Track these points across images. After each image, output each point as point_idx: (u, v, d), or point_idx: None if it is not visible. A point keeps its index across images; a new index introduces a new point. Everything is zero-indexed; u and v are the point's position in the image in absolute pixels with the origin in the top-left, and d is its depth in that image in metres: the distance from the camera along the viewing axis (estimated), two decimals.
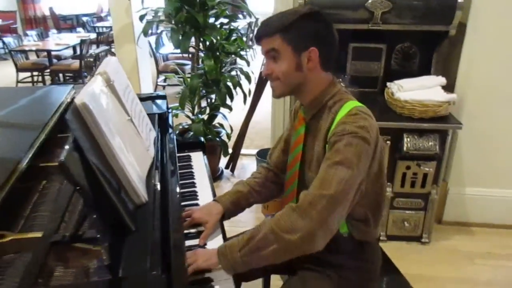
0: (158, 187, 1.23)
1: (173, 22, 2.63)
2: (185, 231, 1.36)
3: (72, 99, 1.85)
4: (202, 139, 2.08)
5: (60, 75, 6.66)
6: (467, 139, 2.58)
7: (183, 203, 1.53)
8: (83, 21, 9.27)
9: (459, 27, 2.37)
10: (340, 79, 2.53)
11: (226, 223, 1.45)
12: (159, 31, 4.71)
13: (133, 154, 1.15)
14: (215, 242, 1.33)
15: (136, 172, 1.12)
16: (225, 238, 1.37)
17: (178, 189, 1.31)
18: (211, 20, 2.78)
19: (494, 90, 2.47)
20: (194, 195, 1.63)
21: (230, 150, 3.33)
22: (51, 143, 1.53)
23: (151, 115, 1.69)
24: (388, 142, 2.36)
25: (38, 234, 1.02)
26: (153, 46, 5.08)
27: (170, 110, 1.87)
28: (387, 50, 2.66)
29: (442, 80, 2.43)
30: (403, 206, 2.52)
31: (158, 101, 1.96)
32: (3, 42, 6.55)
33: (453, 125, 2.32)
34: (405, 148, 2.33)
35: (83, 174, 0.87)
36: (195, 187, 1.71)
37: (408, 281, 1.54)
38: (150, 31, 2.92)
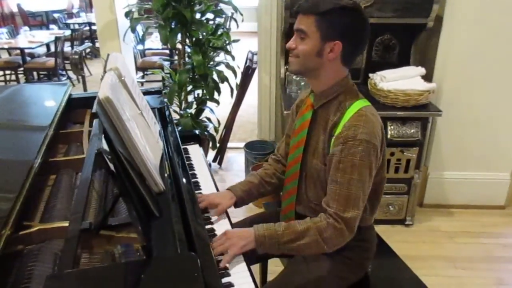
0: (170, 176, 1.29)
1: (160, 18, 2.66)
2: None
3: (69, 96, 1.89)
4: (197, 132, 2.13)
5: (35, 73, 6.52)
6: (445, 126, 2.73)
7: None
8: (54, 18, 9.04)
9: (436, 19, 2.51)
10: None
11: None
12: (138, 28, 4.68)
13: (148, 145, 1.21)
14: (222, 226, 1.40)
15: (152, 162, 1.18)
16: (231, 223, 1.45)
17: (187, 178, 1.37)
18: (198, 15, 2.83)
19: (469, 79, 2.62)
20: (197, 186, 1.69)
21: (217, 144, 3.39)
22: (55, 140, 1.57)
23: (152, 110, 1.75)
24: None
25: (64, 223, 1.06)
26: (132, 43, 5.05)
27: (167, 105, 1.91)
28: (368, 43, 2.77)
29: (422, 70, 2.56)
30: (388, 191, 2.65)
31: (153, 96, 2.00)
32: None
33: (433, 113, 2.46)
34: (389, 136, 2.46)
35: (115, 165, 0.92)
36: (196, 178, 1.77)
37: (401, 259, 1.65)
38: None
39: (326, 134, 1.30)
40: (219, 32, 2.93)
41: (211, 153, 3.53)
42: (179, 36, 2.86)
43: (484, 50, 2.55)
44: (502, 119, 2.69)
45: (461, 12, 2.49)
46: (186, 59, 3.00)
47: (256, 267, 1.86)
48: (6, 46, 6.16)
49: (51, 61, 5.97)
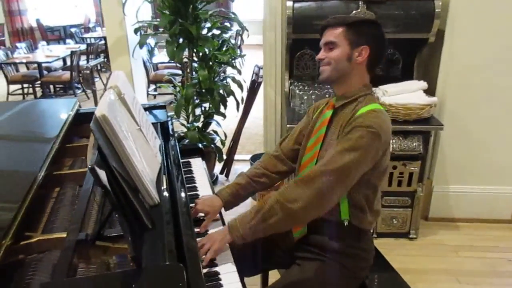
0: (167, 189, 1.35)
1: (167, 34, 2.75)
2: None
3: (77, 111, 1.97)
4: (200, 145, 2.19)
5: (51, 86, 6.71)
6: (449, 139, 2.73)
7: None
8: (71, 32, 9.31)
9: (437, 34, 2.53)
10: (329, 86, 2.67)
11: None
12: (151, 42, 4.81)
13: (144, 159, 1.27)
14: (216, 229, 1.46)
15: (148, 176, 1.23)
16: (224, 224, 1.51)
17: (184, 191, 1.42)
18: (204, 31, 2.91)
19: (472, 92, 2.63)
20: (197, 197, 1.74)
21: (224, 156, 3.45)
22: (61, 153, 1.64)
23: (153, 124, 1.81)
24: None
25: (63, 234, 1.12)
26: (145, 57, 5.18)
27: (170, 119, 1.98)
28: None
29: (423, 84, 2.58)
30: (391, 204, 2.66)
31: (158, 111, 2.07)
32: None
33: (434, 127, 2.47)
34: (391, 149, 2.47)
35: (106, 178, 0.98)
36: (197, 190, 1.82)
37: (398, 273, 1.66)
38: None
39: (337, 130, 1.37)
40: (225, 48, 3.00)
41: (219, 165, 3.58)
42: (186, 52, 2.94)
43: (487, 64, 2.56)
44: (506, 132, 2.69)
45: (462, 26, 2.52)
46: (193, 73, 3.08)
47: (257, 278, 1.89)
48: (24, 61, 6.36)
49: (66, 75, 6.15)
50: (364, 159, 1.27)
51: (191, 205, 1.55)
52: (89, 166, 0.89)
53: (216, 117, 3.24)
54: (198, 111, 3.33)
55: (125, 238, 0.95)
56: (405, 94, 2.53)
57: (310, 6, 2.54)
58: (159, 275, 0.93)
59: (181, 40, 2.89)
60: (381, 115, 1.31)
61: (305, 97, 2.62)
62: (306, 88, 2.69)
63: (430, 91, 2.63)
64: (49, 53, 6.51)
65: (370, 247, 1.51)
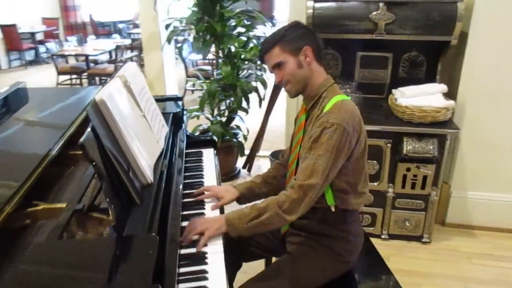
0: (164, 173, 1.46)
1: (194, 31, 2.88)
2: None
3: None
4: (215, 137, 2.30)
5: (97, 78, 7.10)
6: (469, 144, 2.68)
7: (190, 191, 1.76)
8: (119, 28, 9.77)
9: (460, 36, 2.50)
10: (348, 85, 2.70)
11: None
12: (187, 38, 5.00)
13: (143, 143, 1.39)
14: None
15: (144, 157, 1.35)
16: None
17: (181, 175, 1.53)
18: (230, 29, 3.02)
19: (494, 97, 2.57)
20: (201, 185, 1.85)
21: (248, 151, 3.55)
22: (79, 136, 1.80)
23: (166, 114, 1.94)
24: (389, 144, 2.51)
25: (63, 205, 1.26)
26: (185, 54, 5.39)
27: (185, 110, 2.09)
28: (393, 59, 2.81)
29: (443, 87, 2.56)
30: (404, 206, 2.66)
31: (174, 103, 2.19)
32: (46, 47, 7.06)
33: (450, 130, 2.44)
34: (404, 151, 2.48)
35: (98, 154, 1.10)
36: (202, 178, 1.93)
37: (393, 275, 1.68)
38: (177, 38, 3.20)
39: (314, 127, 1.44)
40: (250, 46, 3.10)
41: (241, 160, 3.69)
42: (213, 48, 3.07)
43: (510, 69, 2.50)
44: None
45: (486, 29, 2.47)
46: (219, 69, 3.20)
47: (260, 263, 1.96)
48: (73, 53, 6.78)
49: (111, 68, 6.50)
50: (339, 156, 1.37)
51: (193, 191, 1.68)
52: (79, 143, 1.01)
53: (239, 112, 3.34)
54: (223, 106, 3.46)
55: (109, 208, 1.07)
56: (423, 96, 2.52)
57: (330, 6, 2.58)
58: (135, 244, 1.04)
59: (208, 37, 3.02)
60: (343, 106, 1.39)
61: None
62: None
63: (451, 95, 2.60)
64: (96, 47, 6.89)
65: (358, 231, 1.59)
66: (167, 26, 3.13)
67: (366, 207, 2.70)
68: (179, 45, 3.83)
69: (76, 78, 7.00)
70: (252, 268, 1.74)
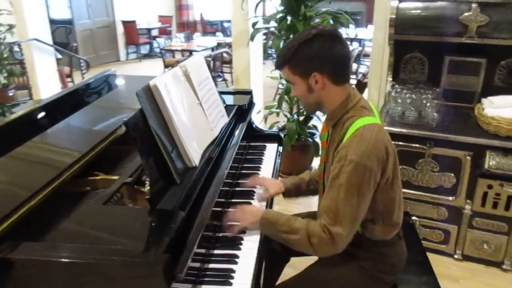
0: (213, 159, 1.54)
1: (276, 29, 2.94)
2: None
3: None
4: (281, 133, 2.34)
5: None
6: None
7: (242, 180, 1.83)
8: (225, 27, 10.27)
9: None
10: (430, 91, 2.54)
11: None
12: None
13: (194, 128, 1.48)
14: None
15: (193, 142, 1.44)
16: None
17: (229, 164, 1.60)
18: None
19: None
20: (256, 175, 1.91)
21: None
22: None
23: (230, 106, 2.03)
24: (469, 157, 2.31)
25: (116, 177, 1.42)
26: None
27: (247, 104, 2.15)
28: (487, 65, 2.57)
29: None
30: (483, 227, 2.42)
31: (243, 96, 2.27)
32: (158, 43, 7.72)
33: None
34: (486, 166, 2.26)
35: (143, 133, 1.22)
36: (259, 170, 1.99)
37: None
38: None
39: (332, 153, 1.38)
40: None
41: (316, 160, 3.67)
42: None
43: None
44: None
45: None
46: None
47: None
48: (179, 48, 7.32)
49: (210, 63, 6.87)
50: (363, 196, 1.27)
51: (246, 181, 1.76)
52: (123, 121, 1.13)
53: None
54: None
55: (146, 182, 1.17)
56: None
57: (415, 6, 2.45)
58: (162, 217, 1.13)
59: (291, 36, 3.06)
60: (365, 134, 1.27)
61: (399, 100, 2.54)
62: (404, 91, 2.60)
63: None
64: (200, 43, 7.35)
65: (392, 253, 1.49)
66: (253, 24, 3.24)
67: (439, 222, 2.52)
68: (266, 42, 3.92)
69: None
70: (305, 264, 1.69)
